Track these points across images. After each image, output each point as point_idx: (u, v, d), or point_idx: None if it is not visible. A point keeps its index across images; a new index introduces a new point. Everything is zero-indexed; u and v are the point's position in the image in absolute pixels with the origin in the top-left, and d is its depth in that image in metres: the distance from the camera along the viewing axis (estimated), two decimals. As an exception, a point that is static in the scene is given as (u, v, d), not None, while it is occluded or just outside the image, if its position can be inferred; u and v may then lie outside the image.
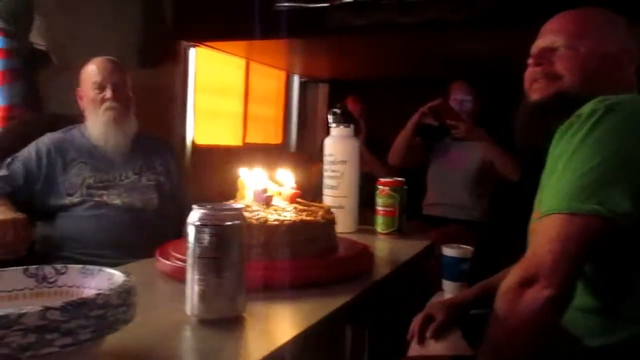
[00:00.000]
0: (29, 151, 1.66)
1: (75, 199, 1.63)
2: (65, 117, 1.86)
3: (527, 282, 0.77)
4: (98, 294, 0.53)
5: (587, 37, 0.98)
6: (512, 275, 0.80)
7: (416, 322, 1.21)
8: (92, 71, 1.72)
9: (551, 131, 0.89)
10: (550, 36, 1.01)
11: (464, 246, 1.39)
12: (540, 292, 0.75)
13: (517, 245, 0.97)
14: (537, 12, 1.06)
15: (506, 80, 1.77)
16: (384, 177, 1.46)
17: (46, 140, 1.69)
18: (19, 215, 1.37)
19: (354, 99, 3.13)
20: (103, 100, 1.70)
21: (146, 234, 1.59)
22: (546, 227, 0.79)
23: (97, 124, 1.71)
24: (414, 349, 1.26)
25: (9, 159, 1.63)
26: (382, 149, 3.03)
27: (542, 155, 0.91)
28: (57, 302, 0.50)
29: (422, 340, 1.18)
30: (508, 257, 1.00)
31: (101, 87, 1.70)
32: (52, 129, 1.75)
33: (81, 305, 0.50)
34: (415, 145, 2.74)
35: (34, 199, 1.62)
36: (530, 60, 1.04)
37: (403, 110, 3.35)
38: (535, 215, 0.93)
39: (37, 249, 1.63)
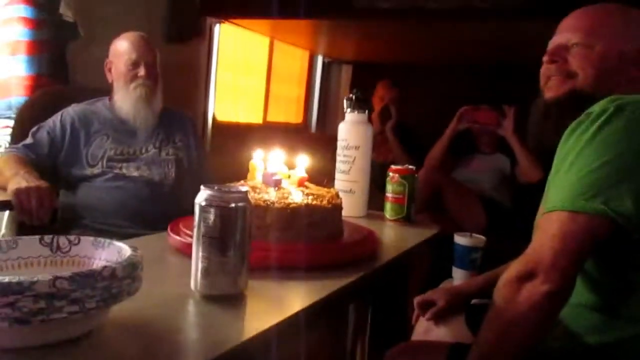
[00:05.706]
0: (54, 121, 1.70)
1: (96, 170, 1.67)
2: (90, 90, 1.89)
3: (525, 277, 0.77)
4: (105, 267, 0.56)
5: (603, 34, 0.96)
6: (512, 269, 0.80)
7: (416, 304, 1.23)
8: (126, 47, 1.73)
9: (565, 130, 0.88)
10: (566, 33, 0.99)
11: (477, 235, 1.40)
12: (538, 286, 0.76)
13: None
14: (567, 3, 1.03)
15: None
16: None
17: (71, 111, 1.73)
18: (42, 183, 1.42)
19: (385, 83, 3.02)
20: (135, 77, 1.72)
21: (163, 207, 1.63)
22: (549, 224, 0.80)
23: (127, 100, 1.74)
24: (417, 334, 1.29)
25: (34, 128, 1.68)
26: (410, 136, 2.99)
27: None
28: (67, 272, 0.53)
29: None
30: (521, 250, 1.01)
31: (135, 64, 1.72)
32: (77, 100, 1.79)
33: (88, 276, 0.54)
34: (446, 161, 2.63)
35: (57, 168, 1.67)
36: (545, 57, 1.02)
37: (430, 97, 3.25)
38: (540, 211, 0.93)
39: (60, 217, 1.69)
